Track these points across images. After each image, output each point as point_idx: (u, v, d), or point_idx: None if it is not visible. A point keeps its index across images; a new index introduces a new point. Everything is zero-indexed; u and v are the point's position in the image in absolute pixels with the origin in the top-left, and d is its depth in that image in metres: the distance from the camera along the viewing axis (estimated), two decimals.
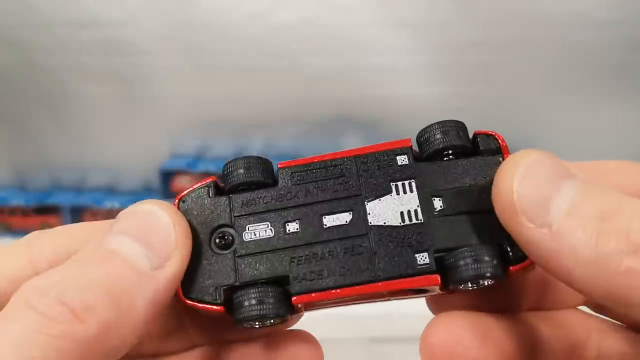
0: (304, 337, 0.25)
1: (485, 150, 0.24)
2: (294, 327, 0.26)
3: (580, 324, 0.25)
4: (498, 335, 0.23)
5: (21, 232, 0.71)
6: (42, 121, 0.71)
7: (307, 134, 0.71)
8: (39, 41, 0.65)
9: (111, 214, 0.70)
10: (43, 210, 0.71)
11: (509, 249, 0.22)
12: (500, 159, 0.23)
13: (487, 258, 0.22)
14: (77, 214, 0.71)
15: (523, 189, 0.20)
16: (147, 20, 0.64)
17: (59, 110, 0.70)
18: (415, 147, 0.25)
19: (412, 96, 0.67)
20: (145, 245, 0.21)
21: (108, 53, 0.65)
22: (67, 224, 0.69)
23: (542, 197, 0.20)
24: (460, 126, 0.24)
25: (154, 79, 0.67)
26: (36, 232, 0.24)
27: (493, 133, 0.24)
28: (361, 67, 0.66)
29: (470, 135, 0.24)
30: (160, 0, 0.63)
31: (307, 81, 0.67)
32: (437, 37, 0.64)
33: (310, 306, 0.24)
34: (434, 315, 0.24)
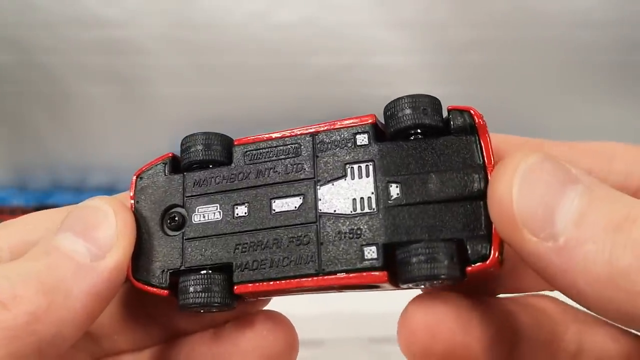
0: (274, 318, 0.25)
1: (457, 129, 0.21)
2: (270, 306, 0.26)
3: (558, 312, 0.24)
4: (480, 320, 0.21)
5: None
6: (42, 121, 0.71)
7: None
8: (39, 41, 0.65)
9: None
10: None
11: (468, 247, 0.20)
12: (474, 140, 0.21)
13: (441, 256, 0.19)
14: None
15: (523, 197, 0.18)
16: (147, 20, 0.63)
17: (59, 110, 0.70)
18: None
19: None
20: (86, 239, 0.21)
21: (108, 53, 0.65)
22: None
23: (545, 206, 0.17)
24: (430, 102, 0.21)
25: (154, 79, 0.67)
26: (2, 223, 0.24)
27: (468, 108, 0.21)
28: (361, 67, 0.66)
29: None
30: (160, 0, 0.63)
31: (307, 81, 0.66)
32: (437, 37, 0.64)
33: (258, 295, 0.23)
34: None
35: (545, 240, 0.17)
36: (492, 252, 0.19)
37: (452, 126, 0.21)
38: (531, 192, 0.18)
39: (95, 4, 0.63)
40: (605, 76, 0.65)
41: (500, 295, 0.24)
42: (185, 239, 0.23)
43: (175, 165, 0.25)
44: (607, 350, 0.24)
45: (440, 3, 0.62)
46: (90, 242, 0.21)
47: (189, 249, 0.23)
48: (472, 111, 0.21)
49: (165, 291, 0.23)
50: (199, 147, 0.24)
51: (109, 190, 0.74)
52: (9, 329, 0.19)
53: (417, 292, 0.22)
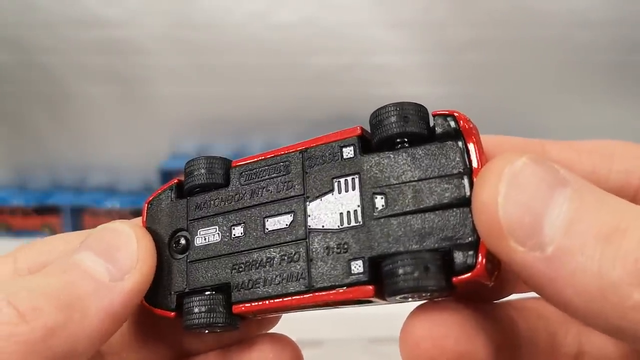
0: (280, 341, 0.25)
1: (442, 135, 0.20)
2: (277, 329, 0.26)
3: (556, 315, 0.24)
4: (483, 327, 0.20)
5: (21, 232, 0.71)
6: (42, 121, 0.71)
7: (307, 134, 0.70)
8: (39, 41, 0.65)
9: (111, 214, 0.71)
10: (43, 210, 0.71)
11: (454, 256, 0.19)
12: (460, 145, 0.20)
13: (428, 267, 0.18)
14: (77, 214, 0.71)
15: (509, 203, 0.17)
16: (147, 20, 0.64)
17: (59, 110, 0.70)
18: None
19: (412, 96, 0.66)
20: (107, 259, 0.22)
21: (108, 53, 0.65)
22: (67, 224, 0.69)
23: (532, 213, 0.17)
24: (415, 109, 0.21)
25: (154, 79, 0.67)
26: (22, 245, 0.24)
27: (452, 112, 0.20)
28: (361, 66, 0.66)
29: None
30: (160, 0, 0.63)
31: (307, 81, 0.67)
32: (437, 37, 0.64)
33: (254, 315, 0.23)
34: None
35: (532, 250, 0.16)
36: (478, 261, 0.18)
37: (437, 131, 0.20)
38: (517, 198, 0.17)
39: (95, 4, 0.63)
40: (605, 76, 0.66)
41: (497, 301, 0.24)
42: (189, 262, 0.24)
43: (181, 190, 0.25)
44: (607, 353, 0.24)
45: (440, 3, 0.62)
46: (110, 263, 0.21)
47: (192, 271, 0.23)
48: (456, 114, 0.20)
49: (172, 313, 0.23)
50: (201, 171, 0.24)
51: (109, 190, 0.74)
52: (25, 343, 0.18)
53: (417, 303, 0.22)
